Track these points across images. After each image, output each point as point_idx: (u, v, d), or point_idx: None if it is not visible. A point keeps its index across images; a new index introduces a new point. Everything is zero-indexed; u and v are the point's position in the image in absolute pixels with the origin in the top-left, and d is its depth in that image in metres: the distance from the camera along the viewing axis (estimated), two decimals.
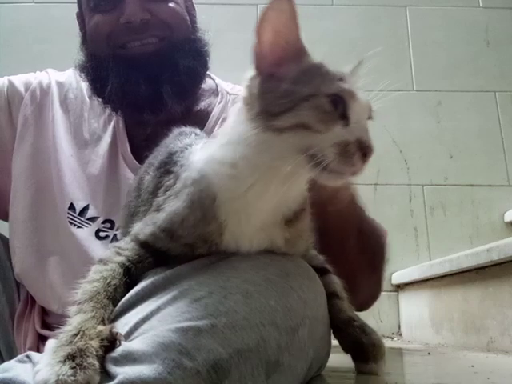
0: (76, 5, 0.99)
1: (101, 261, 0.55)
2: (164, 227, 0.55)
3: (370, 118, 0.54)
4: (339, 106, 0.50)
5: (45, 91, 0.98)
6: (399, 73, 1.96)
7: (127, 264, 0.55)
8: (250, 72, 0.54)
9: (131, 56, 0.88)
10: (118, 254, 0.56)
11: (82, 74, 0.94)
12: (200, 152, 0.59)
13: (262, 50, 0.52)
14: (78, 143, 0.94)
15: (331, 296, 0.62)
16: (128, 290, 0.52)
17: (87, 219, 0.87)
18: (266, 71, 0.52)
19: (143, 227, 0.57)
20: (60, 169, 0.91)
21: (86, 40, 0.94)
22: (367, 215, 0.83)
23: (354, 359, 0.61)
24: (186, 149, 0.62)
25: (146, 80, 0.86)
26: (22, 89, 0.97)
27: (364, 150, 0.49)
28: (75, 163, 0.92)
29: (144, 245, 0.56)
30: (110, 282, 0.51)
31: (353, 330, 0.59)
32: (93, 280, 0.51)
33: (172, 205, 0.55)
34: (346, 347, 0.61)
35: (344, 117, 0.49)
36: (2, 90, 0.97)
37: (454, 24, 2.01)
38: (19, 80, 0.99)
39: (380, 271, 0.85)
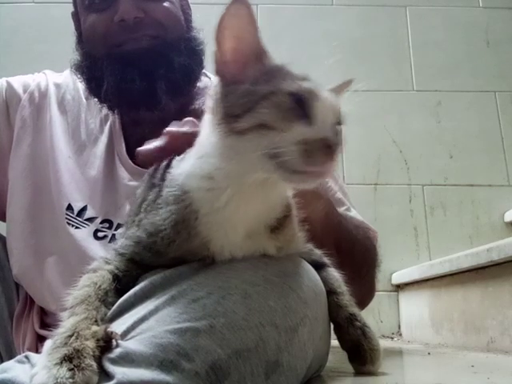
0: None
1: (90, 270, 0.55)
2: (150, 247, 0.54)
3: (339, 122, 0.51)
4: (302, 104, 0.48)
5: (43, 93, 0.98)
6: (399, 73, 1.96)
7: (116, 272, 0.54)
8: (215, 81, 0.53)
9: (126, 53, 0.88)
10: (107, 263, 0.55)
11: (78, 74, 0.94)
12: (180, 164, 0.58)
13: (224, 58, 0.51)
14: (75, 144, 0.94)
15: (329, 293, 0.61)
16: (119, 296, 0.52)
17: (85, 220, 0.87)
18: (229, 77, 0.52)
19: (125, 245, 0.57)
20: (58, 170, 0.91)
21: (82, 40, 0.94)
22: (349, 222, 0.82)
23: (351, 359, 0.60)
24: (170, 161, 0.61)
25: (140, 76, 0.87)
26: (20, 90, 0.98)
27: (328, 149, 0.46)
28: (73, 164, 0.92)
29: (131, 260, 0.56)
30: (100, 286, 0.51)
31: (354, 331, 0.59)
32: (83, 286, 0.51)
33: (153, 222, 0.54)
34: (345, 347, 0.61)
35: (307, 116, 0.48)
36: (0, 92, 0.97)
37: (454, 24, 2.01)
38: (17, 81, 0.99)
39: (369, 278, 0.85)
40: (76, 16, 0.96)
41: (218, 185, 0.51)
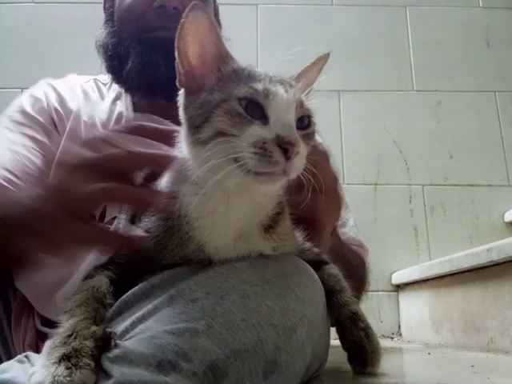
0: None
1: (88, 276, 0.55)
2: (144, 256, 0.54)
3: (304, 116, 0.51)
4: (254, 106, 0.48)
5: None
6: (399, 73, 1.96)
7: (113, 276, 0.55)
8: (181, 90, 0.54)
9: (156, 39, 0.89)
10: (104, 269, 0.55)
11: (100, 51, 0.95)
12: (167, 172, 0.57)
13: (186, 67, 0.51)
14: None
15: (329, 293, 0.61)
16: (116, 299, 0.52)
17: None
18: (192, 87, 0.52)
19: (120, 254, 0.56)
20: None
21: (112, 18, 0.96)
22: (347, 250, 0.83)
23: (351, 361, 0.60)
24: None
25: (166, 63, 0.87)
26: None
27: (284, 146, 0.46)
28: None
29: (128, 267, 0.56)
30: (98, 289, 0.51)
31: (357, 332, 0.58)
32: (81, 290, 0.51)
33: (146, 230, 0.55)
34: (347, 347, 0.60)
35: (263, 116, 0.48)
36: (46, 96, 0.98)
37: (454, 24, 2.02)
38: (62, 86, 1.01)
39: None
40: None
41: (203, 190, 0.51)
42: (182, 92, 0.54)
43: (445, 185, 1.85)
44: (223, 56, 0.52)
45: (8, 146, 0.88)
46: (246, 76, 0.51)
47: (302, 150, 0.49)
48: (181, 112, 0.54)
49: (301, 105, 0.51)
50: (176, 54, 0.52)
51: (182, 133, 0.54)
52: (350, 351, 0.60)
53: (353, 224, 0.97)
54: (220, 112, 0.48)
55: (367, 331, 0.59)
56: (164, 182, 0.57)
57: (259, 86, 0.48)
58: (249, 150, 0.46)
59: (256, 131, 0.47)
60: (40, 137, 0.92)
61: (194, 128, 0.50)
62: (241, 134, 0.47)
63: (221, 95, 0.49)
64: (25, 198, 0.54)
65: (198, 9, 0.50)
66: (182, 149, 0.55)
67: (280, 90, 0.49)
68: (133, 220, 0.61)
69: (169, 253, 0.53)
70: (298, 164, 0.48)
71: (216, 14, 1.03)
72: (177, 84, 0.54)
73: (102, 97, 1.01)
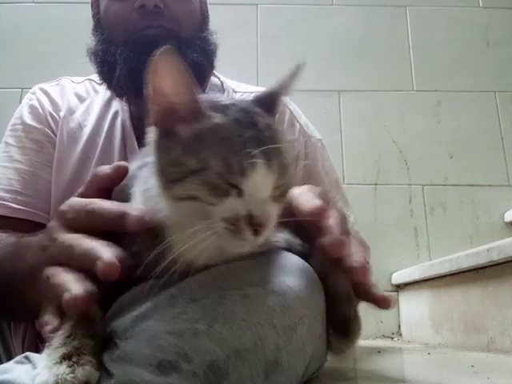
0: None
1: None
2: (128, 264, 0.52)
3: (281, 194, 0.49)
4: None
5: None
6: (399, 73, 1.96)
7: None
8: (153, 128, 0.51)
9: (142, 39, 0.90)
10: None
11: (92, 58, 0.97)
12: (139, 180, 0.55)
13: (167, 102, 0.49)
14: (94, 145, 0.96)
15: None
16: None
17: None
18: (163, 128, 0.50)
19: None
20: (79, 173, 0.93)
21: (99, 26, 0.97)
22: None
23: (335, 332, 0.58)
24: (135, 174, 0.57)
25: None
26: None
27: (254, 227, 0.46)
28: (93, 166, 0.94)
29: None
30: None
31: (349, 307, 0.58)
32: None
33: (133, 252, 0.52)
34: (334, 319, 0.58)
35: (239, 187, 0.46)
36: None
37: (454, 24, 2.02)
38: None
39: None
40: (96, 2, 1.00)
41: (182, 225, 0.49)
42: (153, 129, 0.51)
43: (445, 185, 1.85)
44: (198, 109, 0.48)
45: (14, 166, 0.91)
46: (223, 139, 0.47)
47: (273, 218, 0.48)
48: (152, 149, 0.51)
49: (282, 175, 0.48)
50: (149, 90, 0.49)
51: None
52: (336, 323, 0.58)
53: (353, 221, 0.97)
54: (196, 180, 0.46)
55: (356, 311, 0.59)
56: (137, 192, 0.54)
57: (234, 164, 0.45)
58: (221, 225, 0.46)
59: (231, 204, 0.46)
60: (41, 146, 0.95)
61: (167, 181, 0.48)
62: (217, 203, 0.46)
63: (196, 163, 0.46)
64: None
65: (171, 51, 0.48)
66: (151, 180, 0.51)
67: (258, 169, 0.46)
68: None
69: (158, 268, 0.52)
70: (267, 233, 0.48)
71: (204, 7, 1.03)
72: (149, 122, 0.51)
73: (97, 96, 1.02)
